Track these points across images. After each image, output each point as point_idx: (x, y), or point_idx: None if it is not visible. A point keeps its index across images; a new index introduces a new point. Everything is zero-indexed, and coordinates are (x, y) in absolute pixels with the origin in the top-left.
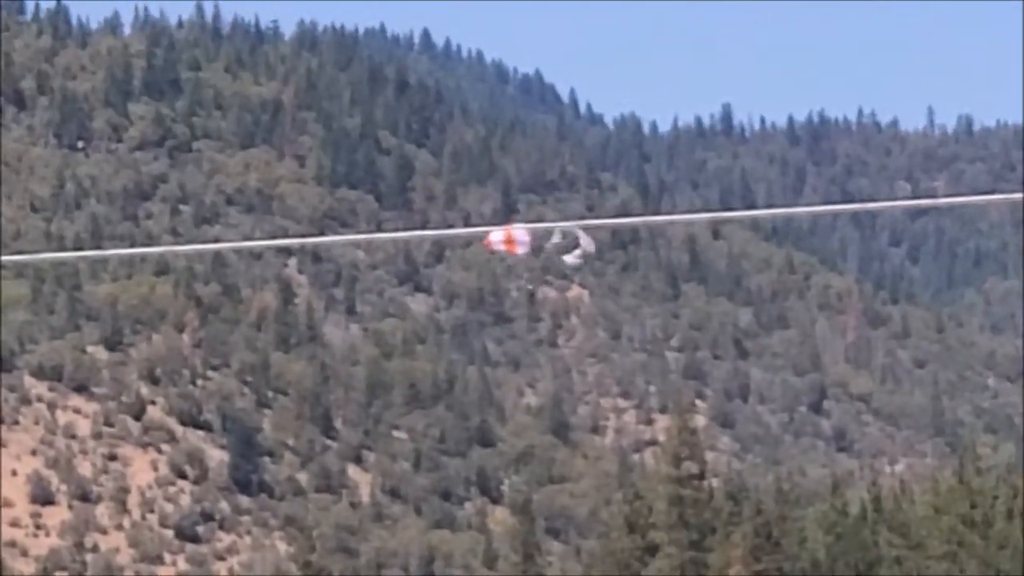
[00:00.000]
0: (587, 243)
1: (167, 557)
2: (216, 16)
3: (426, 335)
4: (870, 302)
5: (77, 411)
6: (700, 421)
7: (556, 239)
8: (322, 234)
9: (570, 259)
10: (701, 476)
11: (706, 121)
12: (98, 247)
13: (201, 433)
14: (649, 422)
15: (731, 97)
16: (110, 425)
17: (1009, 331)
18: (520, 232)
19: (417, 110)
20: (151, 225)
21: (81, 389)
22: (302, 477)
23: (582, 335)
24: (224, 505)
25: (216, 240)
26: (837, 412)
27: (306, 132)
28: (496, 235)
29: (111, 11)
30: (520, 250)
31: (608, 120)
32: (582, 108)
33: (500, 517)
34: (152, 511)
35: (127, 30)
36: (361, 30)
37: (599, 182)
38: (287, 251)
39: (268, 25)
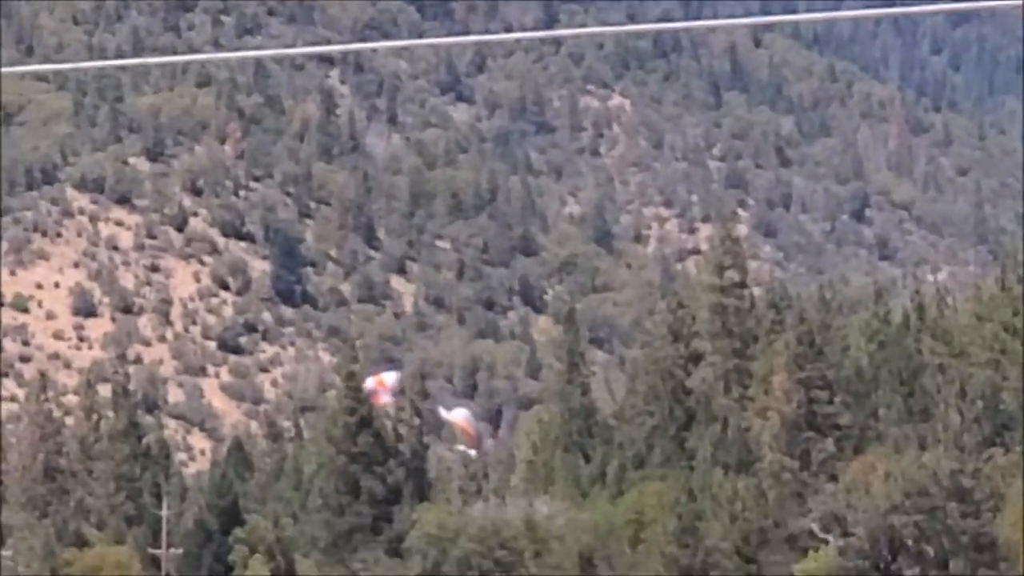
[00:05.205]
0: (465, 416)
1: (210, 369)
2: None
3: (468, 144)
4: (912, 110)
5: (119, 223)
6: (742, 230)
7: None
8: (363, 43)
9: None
10: (743, 285)
11: None
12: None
13: (243, 244)
14: (691, 231)
15: None
16: (152, 237)
17: None
18: (390, 376)
19: None
20: (193, 36)
21: (123, 201)
22: (345, 288)
23: (624, 144)
24: (267, 316)
25: (258, 50)
26: (879, 220)
27: None
28: (369, 382)
29: None
30: (385, 398)
31: None
32: None
33: (543, 326)
34: (195, 323)
35: None
36: None
37: None
38: (329, 61)
39: None
